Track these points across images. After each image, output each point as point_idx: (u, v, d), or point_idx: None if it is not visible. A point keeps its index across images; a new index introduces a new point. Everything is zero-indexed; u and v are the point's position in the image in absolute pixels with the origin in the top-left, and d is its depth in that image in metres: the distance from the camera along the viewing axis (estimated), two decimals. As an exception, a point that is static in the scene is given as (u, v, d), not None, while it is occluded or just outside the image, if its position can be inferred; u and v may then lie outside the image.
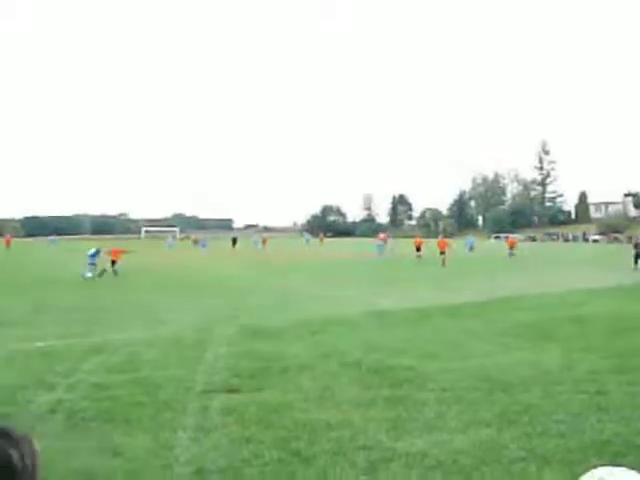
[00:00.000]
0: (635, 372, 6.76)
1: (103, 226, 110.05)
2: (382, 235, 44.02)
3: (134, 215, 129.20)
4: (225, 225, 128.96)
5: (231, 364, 7.27)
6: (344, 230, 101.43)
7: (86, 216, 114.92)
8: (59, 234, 74.24)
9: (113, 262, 22.57)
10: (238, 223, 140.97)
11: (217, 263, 31.96)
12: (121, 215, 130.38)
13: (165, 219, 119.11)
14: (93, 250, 21.81)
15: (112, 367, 7.26)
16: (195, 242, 57.58)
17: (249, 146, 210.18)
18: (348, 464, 4.21)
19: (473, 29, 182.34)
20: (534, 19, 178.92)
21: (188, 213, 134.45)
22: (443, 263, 28.21)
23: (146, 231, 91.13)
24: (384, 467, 4.18)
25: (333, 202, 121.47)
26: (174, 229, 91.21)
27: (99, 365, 7.35)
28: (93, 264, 21.36)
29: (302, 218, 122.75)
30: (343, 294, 16.21)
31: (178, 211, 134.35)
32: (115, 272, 22.02)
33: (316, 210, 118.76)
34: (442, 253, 30.11)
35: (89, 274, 20.96)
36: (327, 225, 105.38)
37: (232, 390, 6.03)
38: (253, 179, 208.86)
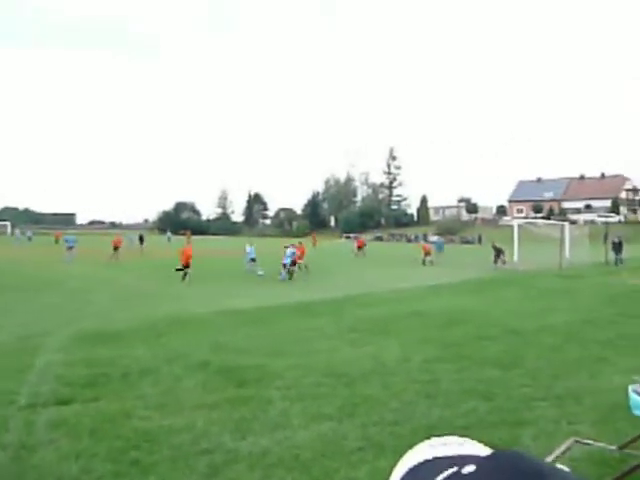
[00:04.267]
0: (462, 361, 7.45)
1: None
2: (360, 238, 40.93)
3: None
4: (66, 220, 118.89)
5: (64, 372, 6.68)
6: (198, 228, 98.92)
7: None
8: None
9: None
10: (81, 219, 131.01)
11: (59, 261, 29.31)
12: None
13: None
14: (253, 246, 23.00)
15: None
16: (57, 240, 52.19)
17: (95, 136, 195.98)
18: (189, 470, 4.09)
19: (330, 31, 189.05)
20: (381, 28, 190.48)
21: (22, 206, 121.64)
22: (290, 276, 21.07)
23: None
24: (226, 469, 4.12)
25: (187, 199, 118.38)
26: (4, 223, 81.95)
27: None
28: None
29: (153, 214, 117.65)
30: (195, 293, 15.82)
31: (9, 204, 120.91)
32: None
33: (168, 206, 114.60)
34: (294, 264, 21.66)
35: (261, 272, 21.42)
36: (180, 222, 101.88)
37: (63, 401, 5.54)
38: (99, 171, 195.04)
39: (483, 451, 0.53)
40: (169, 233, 68.50)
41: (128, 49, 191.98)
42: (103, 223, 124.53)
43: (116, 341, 8.71)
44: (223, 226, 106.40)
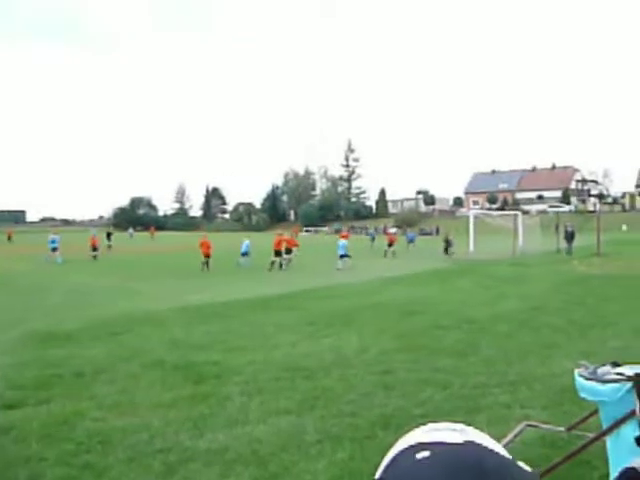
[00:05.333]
0: (418, 350, 7.57)
1: None
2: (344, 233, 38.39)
3: None
4: (16, 218, 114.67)
5: (11, 375, 6.43)
6: (155, 223, 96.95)
7: None
8: None
9: (278, 252, 22.85)
10: (32, 216, 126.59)
11: (12, 259, 28.25)
12: None
13: None
14: (248, 241, 24.04)
15: None
16: (10, 237, 50.67)
17: (45, 130, 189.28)
18: (144, 470, 4.01)
19: (290, 28, 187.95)
20: (335, 22, 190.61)
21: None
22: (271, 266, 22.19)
23: None
24: (182, 468, 4.06)
25: (143, 194, 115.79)
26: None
27: None
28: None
29: (108, 211, 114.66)
30: (152, 290, 15.51)
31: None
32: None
33: (124, 202, 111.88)
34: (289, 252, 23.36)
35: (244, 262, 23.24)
36: (137, 218, 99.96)
37: (11, 405, 5.33)
38: (49, 167, 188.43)
39: (461, 439, 0.53)
40: (131, 229, 68.52)
41: (85, 42, 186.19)
42: (55, 220, 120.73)
43: (69, 340, 8.46)
44: (181, 221, 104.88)
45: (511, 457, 0.52)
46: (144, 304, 12.53)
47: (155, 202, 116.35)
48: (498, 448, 0.53)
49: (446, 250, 28.29)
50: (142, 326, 9.70)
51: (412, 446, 0.54)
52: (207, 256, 22.05)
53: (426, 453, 0.50)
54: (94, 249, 28.89)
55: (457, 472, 0.47)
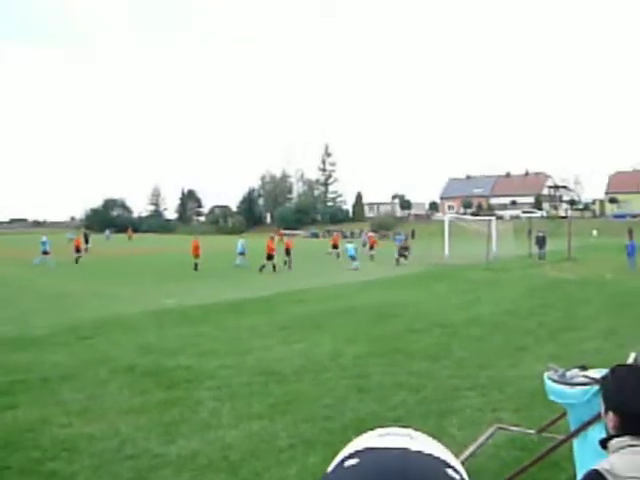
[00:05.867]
0: (393, 354, 7.59)
1: None
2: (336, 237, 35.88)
3: None
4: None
5: (-25, 381, 6.25)
6: (129, 225, 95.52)
7: None
8: None
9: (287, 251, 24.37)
10: (2, 216, 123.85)
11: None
12: None
13: None
14: (243, 241, 24.82)
15: None
16: None
17: (15, 128, 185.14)
18: (111, 478, 3.93)
19: (269, 29, 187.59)
20: (312, 24, 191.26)
21: None
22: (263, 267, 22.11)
23: None
24: (152, 475, 3.99)
25: (116, 195, 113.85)
26: None
27: None
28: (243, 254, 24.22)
29: (80, 212, 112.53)
30: (130, 293, 15.25)
31: None
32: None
33: (97, 203, 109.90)
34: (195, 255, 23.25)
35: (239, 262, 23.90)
36: (110, 220, 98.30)
37: (-27, 412, 5.19)
38: (19, 166, 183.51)
39: (399, 445, 0.52)
40: (107, 231, 67.94)
41: (60, 41, 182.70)
42: (25, 221, 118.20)
43: (35, 346, 8.25)
44: (156, 223, 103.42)
45: (452, 463, 0.51)
46: (119, 307, 12.31)
47: (129, 204, 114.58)
48: (444, 455, 0.52)
49: (401, 255, 28.06)
50: (113, 330, 9.52)
51: (348, 454, 0.53)
52: (197, 257, 23.30)
53: (354, 461, 0.50)
54: (78, 251, 28.22)
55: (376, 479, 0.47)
